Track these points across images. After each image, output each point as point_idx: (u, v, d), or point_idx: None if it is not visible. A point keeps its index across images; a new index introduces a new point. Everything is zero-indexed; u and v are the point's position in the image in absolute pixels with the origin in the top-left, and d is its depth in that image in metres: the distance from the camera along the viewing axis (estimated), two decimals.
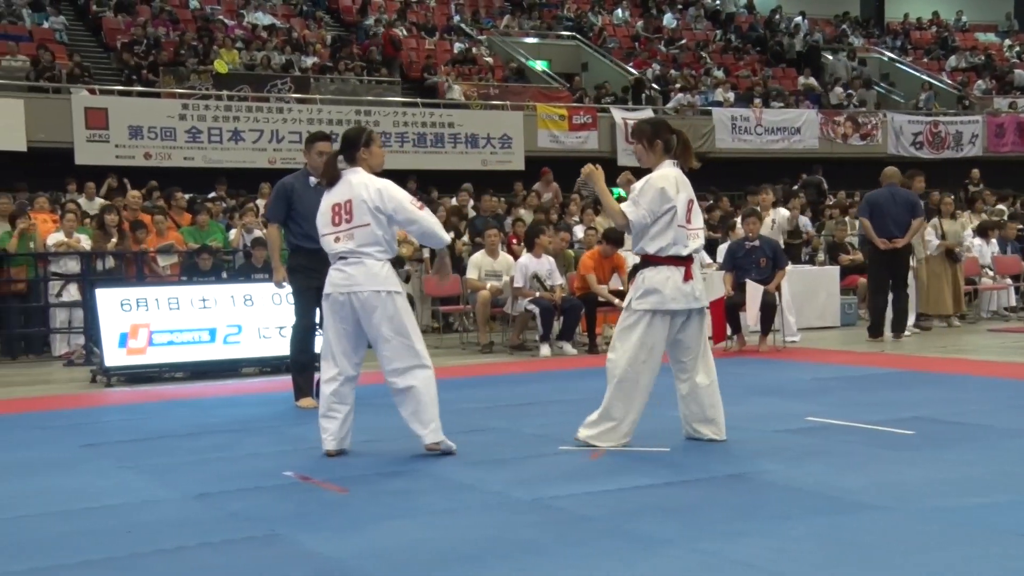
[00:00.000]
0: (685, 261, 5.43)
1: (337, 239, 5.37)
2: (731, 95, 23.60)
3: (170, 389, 8.67)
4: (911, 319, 11.43)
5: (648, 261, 5.43)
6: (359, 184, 5.34)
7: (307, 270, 7.12)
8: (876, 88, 26.56)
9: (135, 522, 4.29)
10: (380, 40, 22.78)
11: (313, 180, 7.31)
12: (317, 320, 7.29)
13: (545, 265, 10.67)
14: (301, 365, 7.32)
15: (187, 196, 14.01)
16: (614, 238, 10.81)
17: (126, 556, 3.80)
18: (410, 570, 3.59)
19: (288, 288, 7.43)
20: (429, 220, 5.40)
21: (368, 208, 5.27)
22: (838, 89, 25.30)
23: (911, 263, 11.35)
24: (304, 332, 7.30)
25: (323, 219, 5.44)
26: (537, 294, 10.43)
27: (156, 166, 17.44)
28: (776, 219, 11.37)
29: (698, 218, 5.58)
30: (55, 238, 11.24)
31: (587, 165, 5.51)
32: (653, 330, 5.38)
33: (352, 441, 5.53)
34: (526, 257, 10.74)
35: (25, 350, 11.29)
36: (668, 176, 5.42)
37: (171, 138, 18.01)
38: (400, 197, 5.34)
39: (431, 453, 5.34)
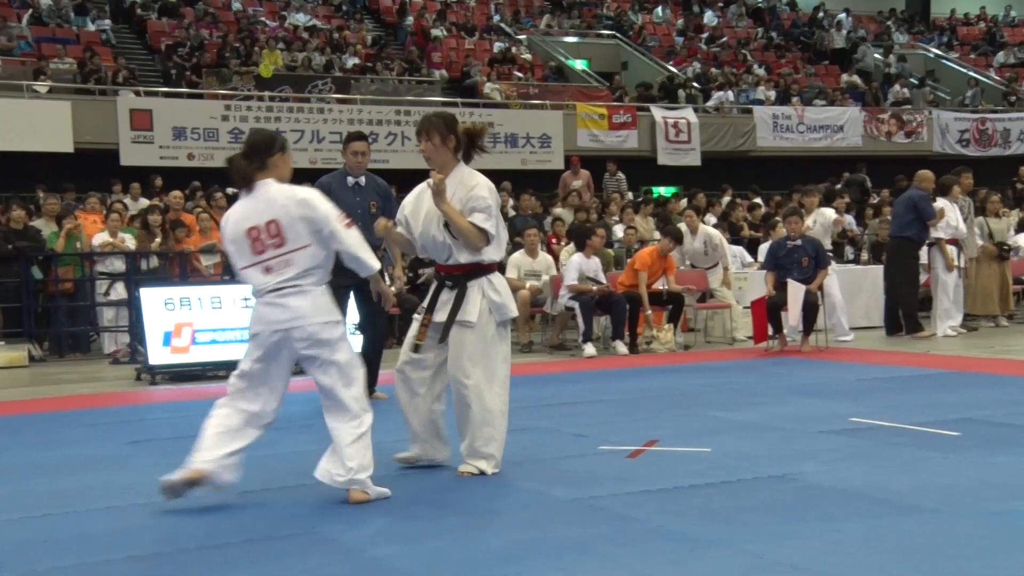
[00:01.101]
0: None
1: (268, 270, 4.48)
2: (772, 93, 23.42)
3: (213, 387, 8.72)
4: (957, 319, 11.28)
5: (483, 269, 4.94)
6: (282, 197, 4.48)
7: (340, 268, 7.17)
8: (927, 85, 26.20)
9: (179, 518, 4.33)
10: (413, 31, 22.89)
11: (351, 179, 7.41)
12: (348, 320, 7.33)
13: (593, 265, 10.65)
14: None
15: (231, 193, 14.15)
16: (678, 235, 10.85)
17: (172, 552, 3.84)
18: (453, 570, 3.58)
19: None
20: (356, 242, 4.57)
21: (304, 225, 4.46)
22: (896, 87, 24.99)
23: (956, 262, 11.20)
24: None
25: (238, 248, 4.52)
26: (594, 288, 10.42)
27: (199, 166, 17.61)
28: (819, 220, 11.36)
29: None
30: (100, 238, 11.38)
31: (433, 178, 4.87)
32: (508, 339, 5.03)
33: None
34: (578, 256, 10.70)
35: (72, 348, 11.45)
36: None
37: (214, 139, 18.18)
38: (328, 208, 4.53)
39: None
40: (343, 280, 7.10)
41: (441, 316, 4.94)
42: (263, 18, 22.62)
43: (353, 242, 4.55)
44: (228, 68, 19.79)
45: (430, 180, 4.89)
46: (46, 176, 15.49)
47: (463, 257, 4.92)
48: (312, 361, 4.51)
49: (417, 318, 5.06)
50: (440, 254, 5.00)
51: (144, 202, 14.11)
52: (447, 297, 4.95)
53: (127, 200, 14.09)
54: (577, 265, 10.57)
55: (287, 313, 4.45)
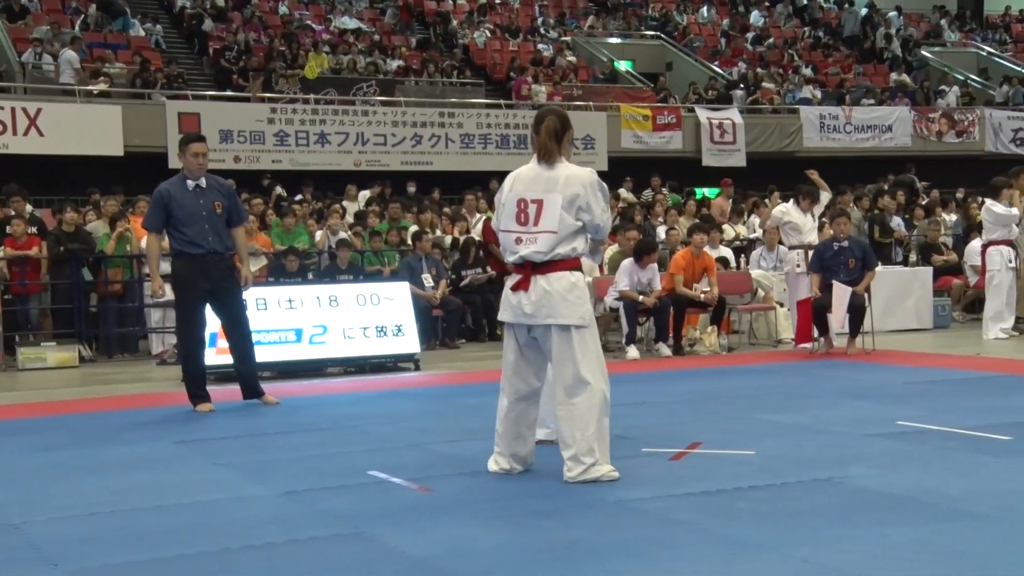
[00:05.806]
0: (519, 268, 4.81)
1: None
2: (819, 93, 23.14)
3: None
4: (1009, 322, 11.07)
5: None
6: None
7: (191, 278, 7.31)
8: (972, 83, 25.75)
9: (227, 518, 4.37)
10: (424, 11, 23.06)
11: (191, 183, 7.47)
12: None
13: (648, 274, 10.51)
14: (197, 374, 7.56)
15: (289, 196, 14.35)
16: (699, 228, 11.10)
17: (218, 551, 3.87)
18: (497, 571, 3.57)
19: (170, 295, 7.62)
20: None
21: None
22: (955, 88, 24.58)
23: (1011, 264, 11.00)
24: (196, 344, 7.47)
25: None
26: (640, 297, 10.32)
27: (245, 169, 17.79)
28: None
29: (546, 219, 4.71)
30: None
31: None
32: (507, 343, 4.97)
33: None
34: (629, 262, 10.53)
35: (120, 349, 11.59)
36: (510, 175, 4.95)
37: (260, 141, 18.37)
38: None
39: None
40: (196, 289, 7.18)
41: None
42: (309, 22, 22.80)
43: None
44: (275, 71, 19.97)
45: None
46: (96, 179, 15.72)
47: None
48: None
49: None
50: None
51: None
52: None
53: None
54: (629, 271, 10.46)
55: None
